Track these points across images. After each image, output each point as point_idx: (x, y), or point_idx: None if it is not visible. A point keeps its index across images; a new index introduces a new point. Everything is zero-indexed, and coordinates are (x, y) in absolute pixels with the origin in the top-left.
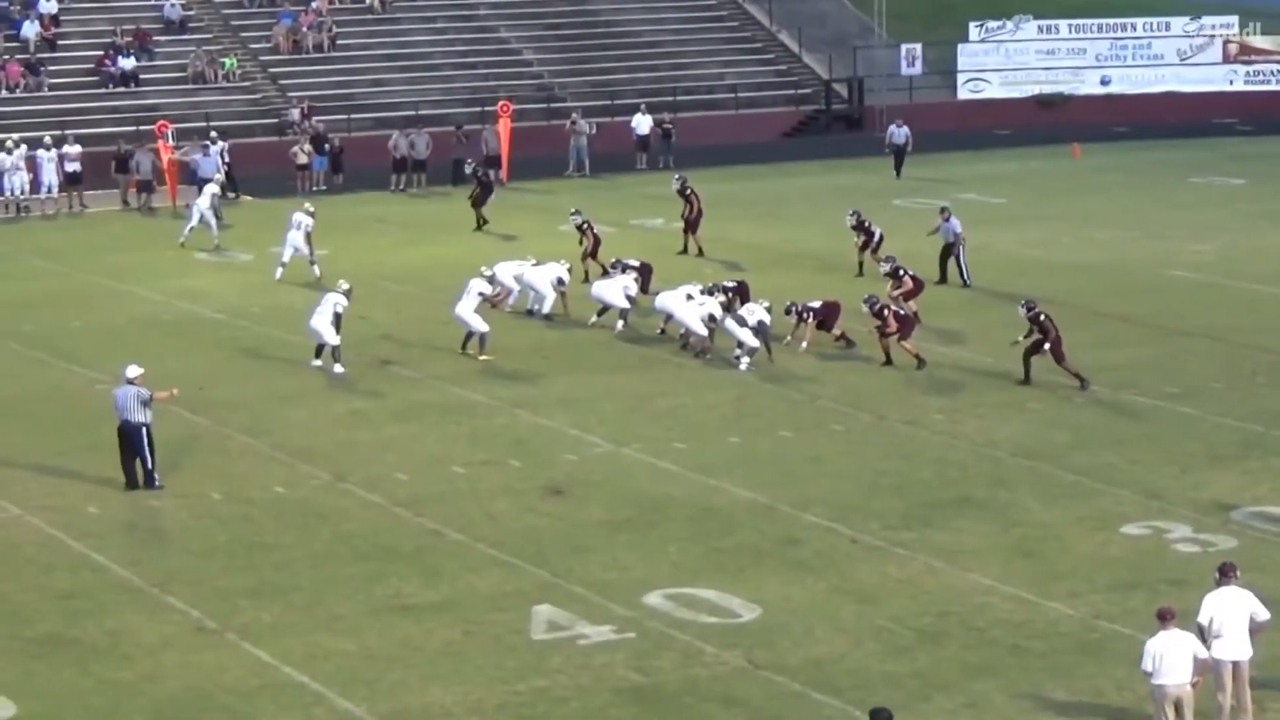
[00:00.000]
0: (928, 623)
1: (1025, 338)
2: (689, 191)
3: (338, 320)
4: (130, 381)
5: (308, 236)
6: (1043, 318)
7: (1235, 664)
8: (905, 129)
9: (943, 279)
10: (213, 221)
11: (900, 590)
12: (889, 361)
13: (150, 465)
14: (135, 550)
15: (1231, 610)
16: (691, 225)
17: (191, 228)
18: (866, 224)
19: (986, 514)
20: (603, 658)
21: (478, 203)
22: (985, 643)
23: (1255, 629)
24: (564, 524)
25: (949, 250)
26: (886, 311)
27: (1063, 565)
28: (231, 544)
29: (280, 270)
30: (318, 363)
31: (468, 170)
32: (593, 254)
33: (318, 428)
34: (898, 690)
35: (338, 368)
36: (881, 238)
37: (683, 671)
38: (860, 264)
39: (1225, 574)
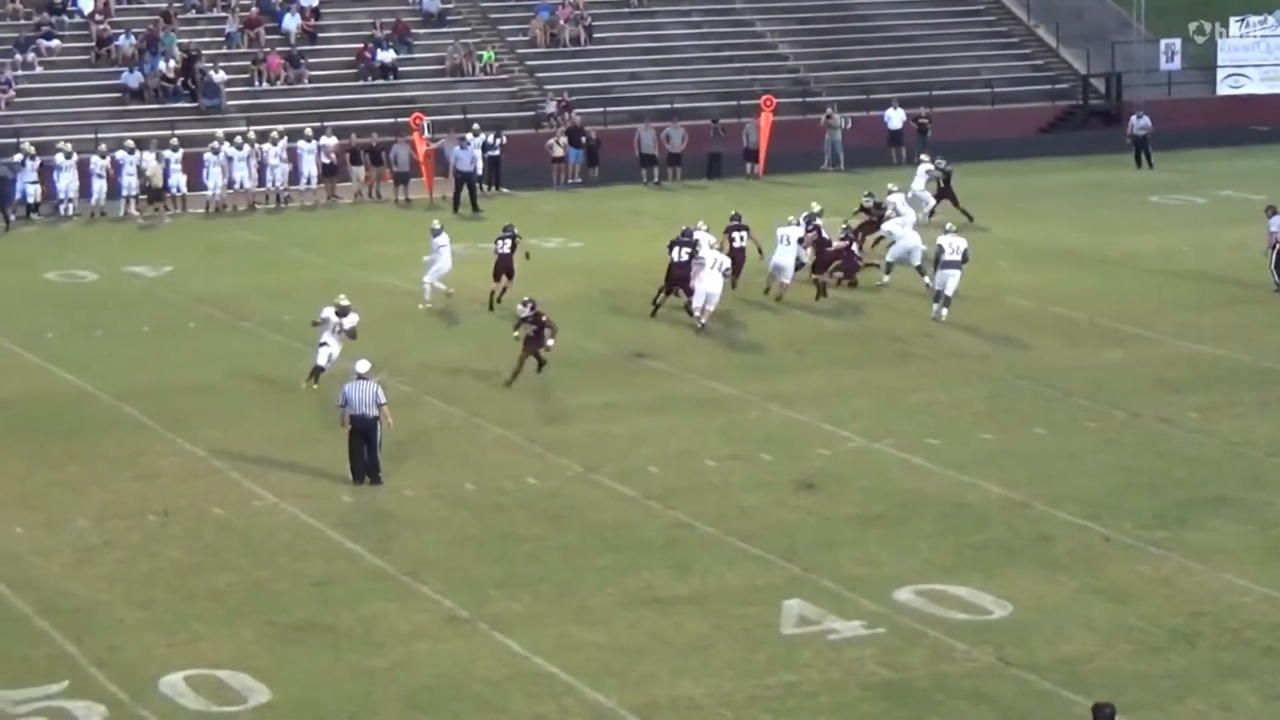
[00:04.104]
0: (1181, 623)
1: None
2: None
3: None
4: (362, 377)
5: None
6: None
7: None
8: (1146, 119)
9: None
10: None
11: (1153, 590)
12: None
13: (379, 459)
14: (388, 539)
15: None
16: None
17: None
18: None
19: (1242, 514)
20: (853, 653)
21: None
22: (1239, 644)
23: None
24: (815, 518)
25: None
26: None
27: None
28: (483, 534)
29: None
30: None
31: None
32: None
33: (571, 419)
34: (1149, 690)
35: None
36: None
37: (932, 668)
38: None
39: None
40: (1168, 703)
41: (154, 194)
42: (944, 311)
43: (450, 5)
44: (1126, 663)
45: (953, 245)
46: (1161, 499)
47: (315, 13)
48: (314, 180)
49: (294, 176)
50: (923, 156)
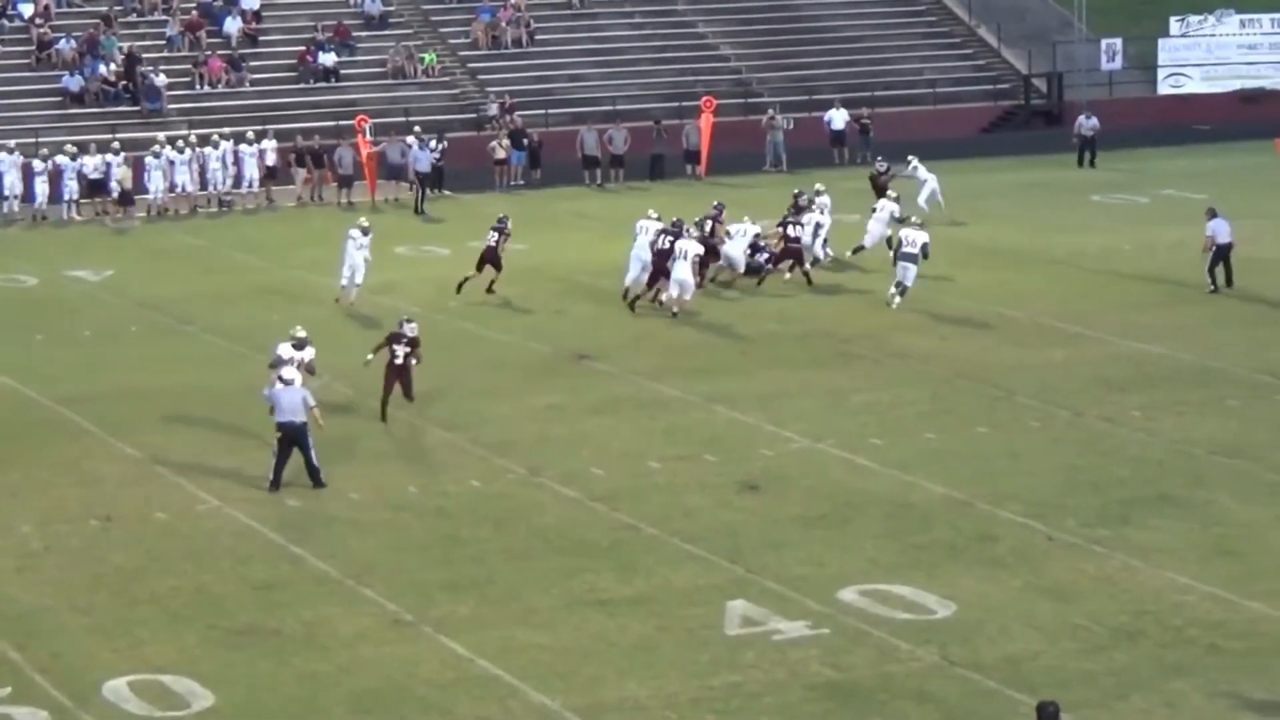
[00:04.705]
0: (1124, 621)
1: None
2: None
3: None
4: (288, 383)
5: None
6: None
7: None
8: (1095, 119)
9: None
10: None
11: (1096, 588)
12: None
13: (315, 463)
14: (332, 542)
15: None
16: None
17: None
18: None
19: (1184, 512)
20: (797, 653)
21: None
22: (1182, 642)
23: None
24: (759, 519)
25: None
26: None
27: (1262, 564)
28: (427, 537)
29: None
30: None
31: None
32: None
33: (514, 422)
34: (1093, 688)
35: None
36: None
37: (877, 668)
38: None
39: None
40: (1111, 701)
41: (125, 198)
42: (897, 299)
43: (392, 8)
44: (1070, 661)
45: (910, 238)
46: (1104, 498)
47: (256, 15)
48: (256, 184)
49: (236, 180)
50: (892, 193)
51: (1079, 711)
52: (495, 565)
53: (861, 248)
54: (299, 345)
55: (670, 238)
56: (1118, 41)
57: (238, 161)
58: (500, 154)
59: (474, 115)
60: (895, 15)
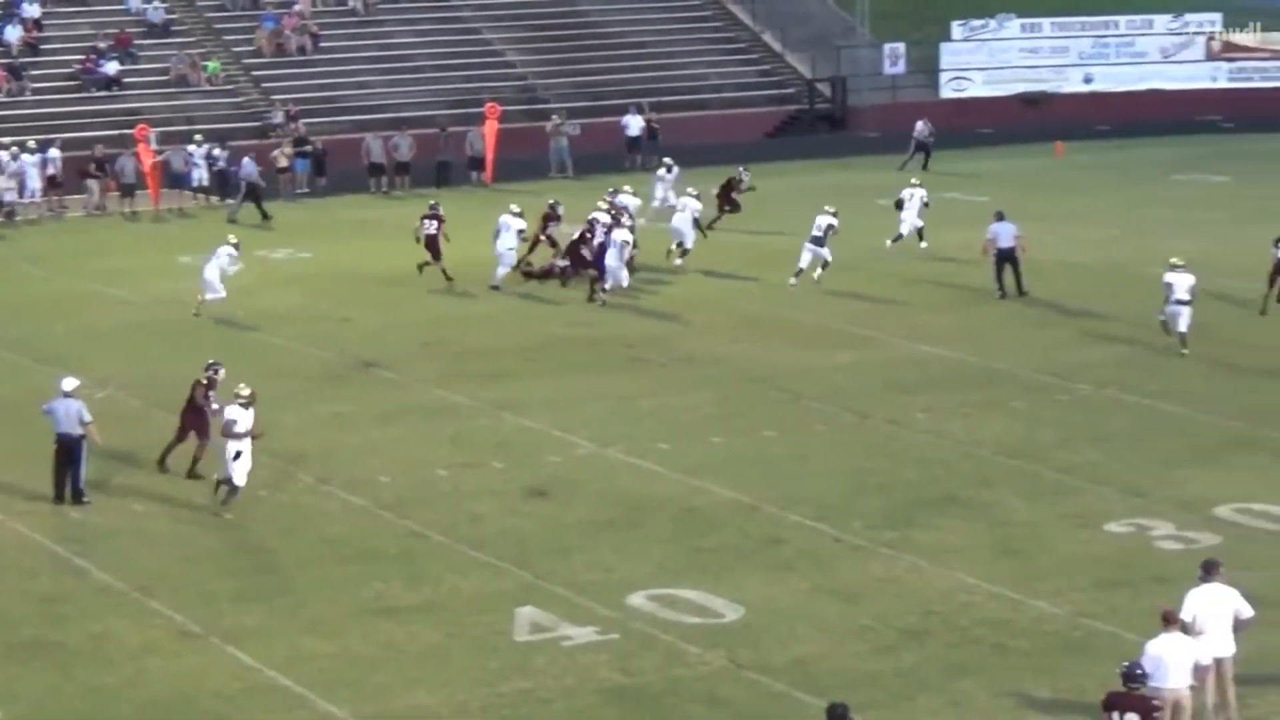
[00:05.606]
0: (911, 622)
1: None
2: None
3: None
4: (68, 395)
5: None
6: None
7: (1219, 661)
8: (930, 125)
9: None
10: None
11: (883, 589)
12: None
13: (82, 479)
14: (117, 554)
15: (1215, 607)
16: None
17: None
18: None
19: (970, 513)
20: (586, 659)
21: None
22: (968, 641)
23: (1239, 626)
24: (547, 525)
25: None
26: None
27: (1046, 564)
28: (215, 547)
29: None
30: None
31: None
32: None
33: (302, 431)
34: (881, 689)
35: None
36: None
37: (666, 672)
38: None
39: (1209, 571)
40: (899, 701)
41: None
42: (793, 281)
43: (174, 16)
44: (858, 662)
45: (819, 223)
46: (891, 499)
47: (37, 24)
48: (39, 194)
49: (19, 189)
50: (914, 180)
51: (867, 712)
52: (284, 575)
53: (900, 236)
54: (246, 404)
55: (605, 230)
56: (900, 46)
57: (20, 171)
58: (284, 162)
59: (258, 123)
60: (680, 20)
